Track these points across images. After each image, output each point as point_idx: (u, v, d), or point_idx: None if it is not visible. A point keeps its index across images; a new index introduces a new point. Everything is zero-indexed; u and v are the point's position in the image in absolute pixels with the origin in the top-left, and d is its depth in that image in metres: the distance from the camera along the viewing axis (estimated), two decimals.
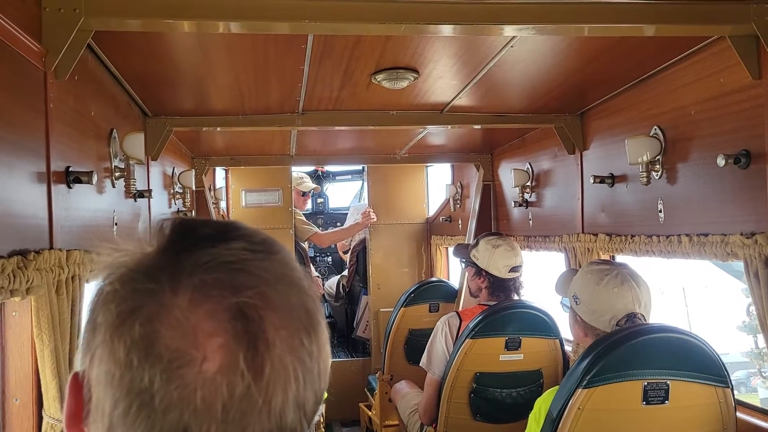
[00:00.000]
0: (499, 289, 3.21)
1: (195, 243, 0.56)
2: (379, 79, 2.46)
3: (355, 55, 2.23)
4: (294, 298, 0.57)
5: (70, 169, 1.75)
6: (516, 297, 3.22)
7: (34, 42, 1.53)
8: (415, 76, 2.44)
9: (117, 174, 2.23)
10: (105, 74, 2.23)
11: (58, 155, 1.68)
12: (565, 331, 3.11)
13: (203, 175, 4.32)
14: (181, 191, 3.55)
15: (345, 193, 7.73)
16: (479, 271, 3.27)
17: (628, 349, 1.82)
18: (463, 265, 3.68)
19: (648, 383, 1.81)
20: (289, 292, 0.57)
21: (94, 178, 1.80)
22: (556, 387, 1.98)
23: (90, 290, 1.63)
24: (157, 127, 2.97)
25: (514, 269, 3.21)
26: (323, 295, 6.28)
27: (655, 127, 2.39)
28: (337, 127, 3.27)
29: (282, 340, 0.54)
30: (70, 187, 1.75)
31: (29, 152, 1.53)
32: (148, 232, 0.60)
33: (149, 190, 2.64)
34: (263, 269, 0.56)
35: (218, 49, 2.19)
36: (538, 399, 2.09)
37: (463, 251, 3.50)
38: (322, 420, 3.48)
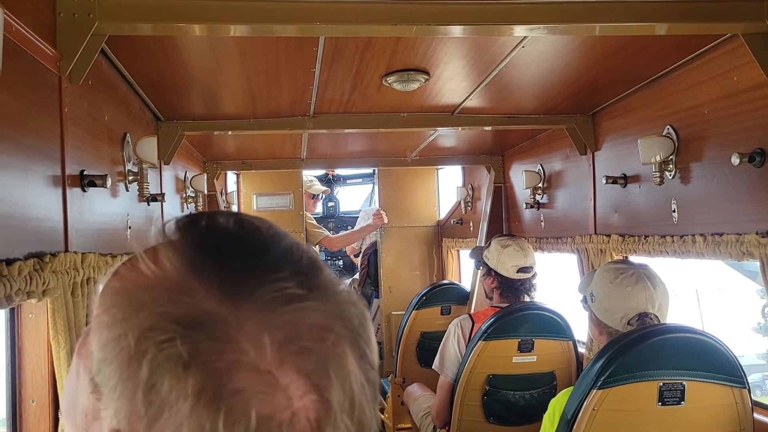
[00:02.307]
0: (508, 290, 3.20)
1: (244, 276, 0.50)
2: (389, 81, 2.47)
3: (366, 58, 2.23)
4: (355, 318, 0.54)
5: (85, 172, 1.77)
6: (527, 299, 3.21)
7: (48, 46, 1.54)
8: (426, 77, 2.44)
9: (130, 178, 2.25)
10: (118, 79, 2.25)
11: (72, 159, 1.69)
12: (579, 332, 3.10)
13: (215, 179, 4.34)
14: (193, 195, 3.57)
15: (356, 197, 7.74)
16: (489, 271, 3.27)
17: (643, 350, 1.81)
18: (476, 264, 3.68)
19: (663, 384, 1.80)
20: (350, 312, 0.54)
21: (108, 182, 1.81)
22: (571, 387, 1.97)
23: None
24: (170, 131, 2.99)
25: (523, 270, 3.19)
26: None
27: (668, 126, 2.37)
28: (347, 130, 3.27)
29: (359, 368, 0.52)
30: (84, 191, 1.77)
31: (44, 156, 1.55)
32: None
33: (162, 194, 2.65)
34: (324, 299, 0.53)
35: (230, 53, 2.20)
36: (553, 400, 2.08)
37: (478, 252, 3.50)
38: None
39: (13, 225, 1.34)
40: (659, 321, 2.00)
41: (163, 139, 2.93)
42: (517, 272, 3.19)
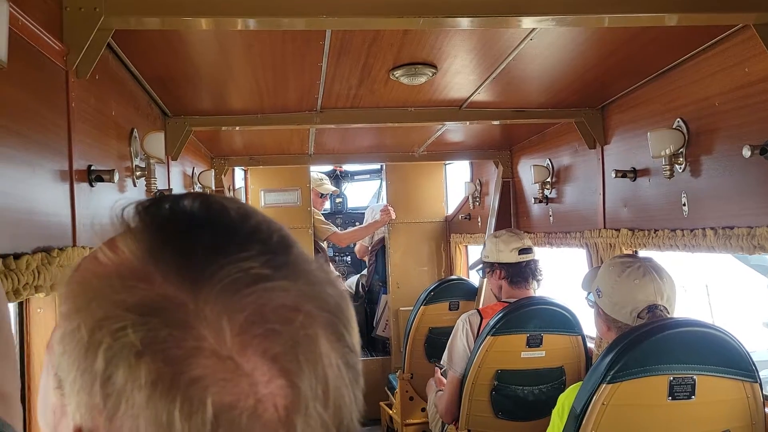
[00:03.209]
0: (516, 275, 3.21)
1: (205, 258, 0.48)
2: (397, 75, 2.45)
3: (373, 51, 2.22)
4: (330, 299, 0.51)
5: (92, 167, 1.77)
6: (535, 283, 3.21)
7: (55, 41, 1.54)
8: (433, 71, 2.43)
9: (138, 173, 2.25)
10: (125, 74, 2.25)
11: (80, 154, 1.69)
12: (588, 327, 3.08)
13: (222, 175, 4.35)
14: (201, 191, 3.57)
15: (364, 193, 7.74)
16: (492, 267, 3.27)
17: (652, 344, 1.79)
18: (480, 273, 3.68)
19: (674, 378, 1.78)
20: (325, 292, 0.51)
21: (116, 177, 1.81)
22: (580, 383, 1.96)
23: None
24: (177, 126, 2.99)
25: (524, 251, 3.22)
26: None
27: (678, 119, 2.35)
28: (355, 125, 3.27)
29: (334, 351, 0.49)
30: (92, 186, 1.77)
31: (52, 151, 1.55)
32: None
33: (170, 189, 2.65)
34: (294, 278, 0.50)
35: (236, 48, 2.19)
36: (561, 395, 2.07)
37: (477, 261, 3.53)
38: None
39: (20, 219, 1.34)
40: (669, 313, 1.99)
41: (170, 134, 2.94)
42: (519, 254, 3.20)
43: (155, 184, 2.33)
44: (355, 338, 0.53)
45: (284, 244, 0.52)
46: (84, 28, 1.60)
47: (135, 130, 2.27)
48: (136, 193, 2.26)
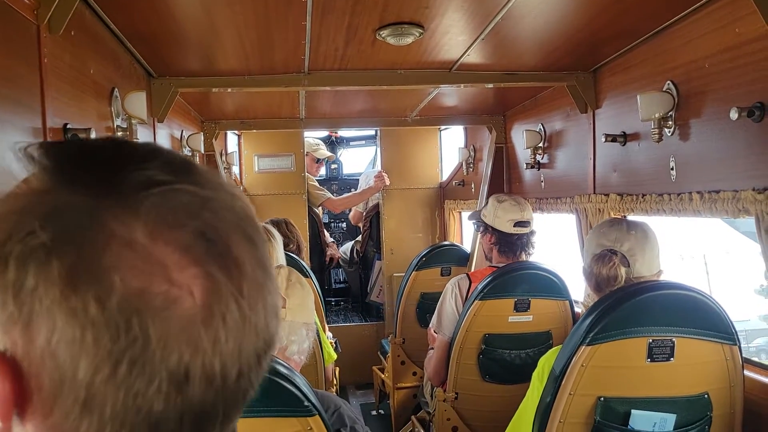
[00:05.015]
0: (506, 245, 3.18)
1: (112, 172, 0.49)
2: (383, 35, 2.41)
3: (357, 10, 2.18)
4: (237, 203, 0.53)
5: (68, 126, 1.74)
6: (524, 256, 3.19)
7: None
8: (421, 31, 2.38)
9: (119, 134, 2.22)
10: (105, 32, 2.20)
11: (54, 111, 1.66)
12: (575, 292, 3.09)
13: (214, 140, 4.31)
14: (190, 154, 3.54)
15: (359, 159, 7.69)
16: (486, 228, 3.25)
17: (632, 306, 1.79)
18: (475, 226, 3.66)
19: (653, 340, 1.78)
20: (231, 198, 0.53)
21: (92, 136, 1.79)
22: (560, 346, 1.97)
23: None
24: (163, 88, 2.94)
25: (520, 224, 3.17)
26: (338, 260, 6.30)
27: (669, 82, 2.31)
28: (344, 87, 3.22)
29: (246, 252, 0.51)
30: None
31: (23, 107, 1.52)
32: None
33: None
34: (197, 183, 0.51)
35: (219, 5, 2.14)
36: (542, 358, 2.08)
37: (476, 214, 3.49)
38: (336, 382, 3.52)
39: None
40: (628, 264, 1.97)
41: (156, 95, 2.90)
42: (513, 226, 3.17)
43: None
44: (264, 244, 0.54)
45: (187, 162, 0.54)
46: None
47: (116, 89, 2.24)
48: None
